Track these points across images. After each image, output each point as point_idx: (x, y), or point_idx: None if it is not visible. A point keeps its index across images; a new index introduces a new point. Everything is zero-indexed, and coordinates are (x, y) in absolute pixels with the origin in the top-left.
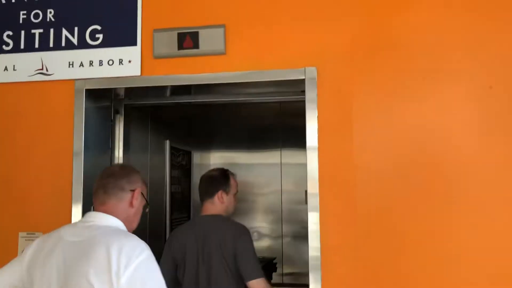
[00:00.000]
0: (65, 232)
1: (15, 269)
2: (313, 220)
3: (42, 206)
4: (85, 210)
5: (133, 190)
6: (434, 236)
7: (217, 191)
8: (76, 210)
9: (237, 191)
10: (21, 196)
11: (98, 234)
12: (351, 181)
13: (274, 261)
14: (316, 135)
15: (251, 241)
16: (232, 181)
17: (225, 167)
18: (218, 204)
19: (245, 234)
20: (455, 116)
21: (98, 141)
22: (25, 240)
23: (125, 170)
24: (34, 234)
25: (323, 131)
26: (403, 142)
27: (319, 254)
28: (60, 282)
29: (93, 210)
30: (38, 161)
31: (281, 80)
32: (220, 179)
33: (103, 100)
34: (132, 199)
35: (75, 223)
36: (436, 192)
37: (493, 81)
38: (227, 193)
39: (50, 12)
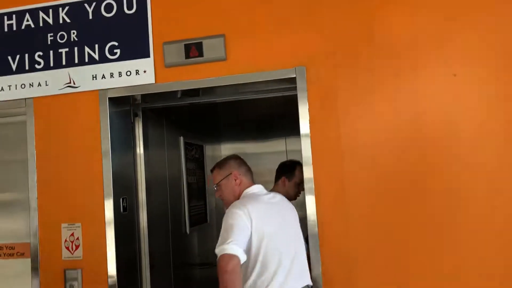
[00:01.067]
0: (263, 199)
1: (246, 230)
2: (310, 202)
3: (79, 201)
4: (116, 202)
5: None
6: (418, 218)
7: (281, 176)
8: (108, 203)
9: (300, 182)
10: (61, 193)
11: (277, 196)
12: (339, 165)
13: None
14: (308, 125)
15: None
16: (297, 172)
17: None
18: (281, 187)
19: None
20: (427, 102)
21: (122, 141)
22: (67, 230)
23: None
24: (74, 224)
25: (314, 121)
26: (383, 128)
27: (316, 229)
28: (282, 225)
29: (250, 183)
30: (73, 162)
31: (276, 79)
32: (287, 168)
33: (123, 105)
34: None
35: (255, 192)
36: (419, 173)
37: (456, 70)
38: (289, 180)
39: (73, 33)
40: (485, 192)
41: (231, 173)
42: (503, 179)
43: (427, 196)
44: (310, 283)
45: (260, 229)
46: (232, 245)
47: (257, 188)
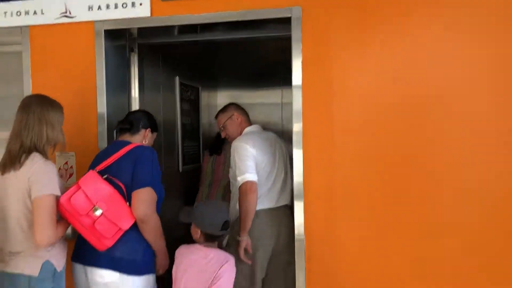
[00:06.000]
0: (261, 135)
1: (253, 159)
2: (297, 156)
3: (73, 134)
4: (110, 137)
5: None
6: (401, 182)
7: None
8: (101, 134)
9: None
10: None
11: (271, 134)
12: (330, 119)
13: None
14: (301, 74)
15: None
16: None
17: None
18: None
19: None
20: (421, 56)
21: (117, 79)
22: (61, 158)
23: None
24: (68, 153)
25: (307, 70)
26: (380, 80)
27: (302, 187)
28: (274, 156)
29: (249, 123)
30: (68, 96)
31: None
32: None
33: (119, 39)
34: None
35: (255, 130)
36: (413, 126)
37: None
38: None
39: None
40: (472, 161)
41: (233, 114)
42: (490, 147)
43: (413, 164)
44: (289, 203)
45: (260, 158)
46: (250, 174)
47: (256, 127)
